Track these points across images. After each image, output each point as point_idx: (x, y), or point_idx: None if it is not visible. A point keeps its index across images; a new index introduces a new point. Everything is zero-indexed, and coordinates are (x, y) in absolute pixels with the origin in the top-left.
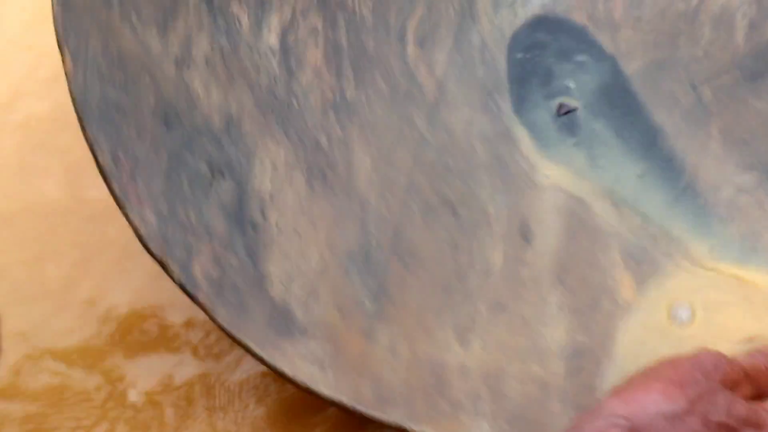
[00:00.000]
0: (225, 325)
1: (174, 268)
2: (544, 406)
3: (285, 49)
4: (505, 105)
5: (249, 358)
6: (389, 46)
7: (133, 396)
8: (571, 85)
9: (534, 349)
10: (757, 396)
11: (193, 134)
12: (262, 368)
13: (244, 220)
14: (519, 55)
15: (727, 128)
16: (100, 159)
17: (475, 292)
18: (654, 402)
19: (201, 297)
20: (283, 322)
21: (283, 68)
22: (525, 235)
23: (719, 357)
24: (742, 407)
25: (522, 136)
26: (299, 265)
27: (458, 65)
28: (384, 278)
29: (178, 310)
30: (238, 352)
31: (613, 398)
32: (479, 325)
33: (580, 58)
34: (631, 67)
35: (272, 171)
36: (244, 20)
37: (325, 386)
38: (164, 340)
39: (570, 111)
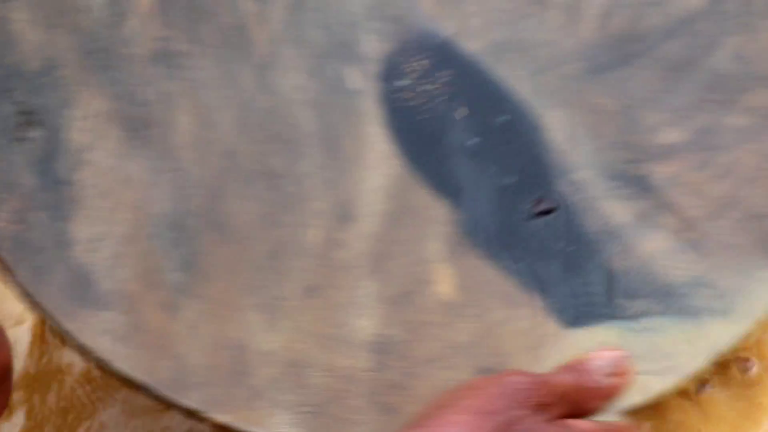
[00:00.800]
0: (25, 286)
1: None
2: (346, 400)
3: None
4: (349, 74)
5: None
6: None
7: None
8: (424, 62)
9: (342, 339)
10: (575, 413)
11: (5, 75)
12: None
13: (52, 175)
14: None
15: (561, 121)
16: None
17: (288, 272)
18: None
19: (1, 253)
20: (83, 288)
21: (110, 11)
22: (346, 214)
23: (525, 379)
24: (550, 429)
25: (371, 109)
26: (106, 228)
27: (294, 25)
28: (196, 249)
29: None
30: None
31: None
32: (287, 309)
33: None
34: (472, 46)
35: (87, 123)
36: None
37: (120, 362)
38: None
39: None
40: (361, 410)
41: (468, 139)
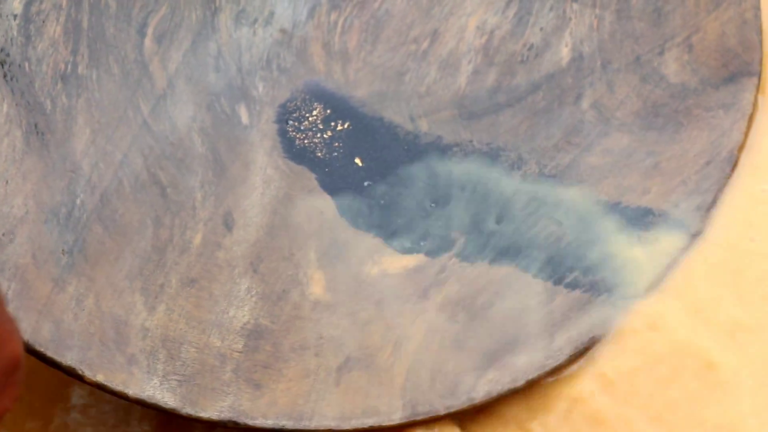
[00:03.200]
0: None
1: None
2: (216, 374)
3: (26, 17)
4: (242, 112)
5: None
6: (128, 35)
7: None
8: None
9: (217, 323)
10: None
11: None
12: None
13: None
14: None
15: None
16: None
17: (170, 265)
18: None
19: None
20: None
21: (22, 33)
22: (227, 223)
23: None
24: None
25: (262, 141)
26: (5, 209)
27: (191, 66)
28: (82, 236)
29: None
30: None
31: None
32: (168, 294)
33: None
34: (357, 95)
35: None
36: None
37: None
38: None
39: None
40: (229, 383)
41: (363, 180)
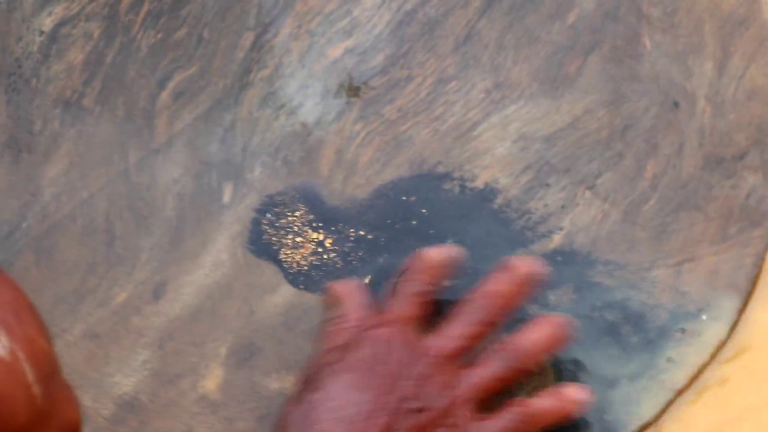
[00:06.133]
0: None
1: None
2: None
3: (53, 37)
4: (227, 190)
5: None
6: (147, 83)
7: None
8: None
9: (97, 384)
10: None
11: None
12: None
13: None
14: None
15: None
16: None
17: (82, 314)
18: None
19: None
20: None
21: (42, 51)
22: (157, 292)
23: None
24: None
25: (231, 224)
26: None
27: (198, 131)
28: (11, 259)
29: None
30: None
31: None
32: (64, 341)
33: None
34: (344, 210)
35: None
36: None
37: None
38: None
39: None
40: None
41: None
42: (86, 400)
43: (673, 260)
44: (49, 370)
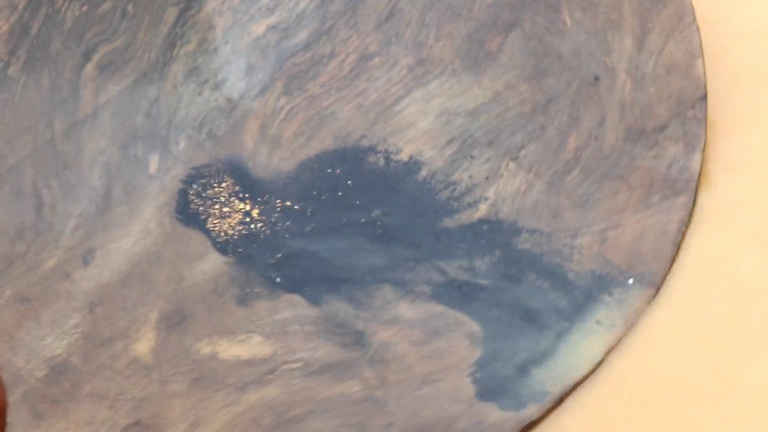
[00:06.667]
0: None
1: None
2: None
3: None
4: (153, 161)
5: None
6: (72, 54)
7: None
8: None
9: (29, 345)
10: None
11: None
12: None
13: None
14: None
15: None
16: None
17: (11, 278)
18: None
19: None
20: None
21: None
22: (86, 258)
23: None
24: None
25: (158, 194)
26: None
27: (123, 103)
28: None
29: None
30: None
31: None
32: None
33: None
34: (270, 182)
35: None
36: None
37: None
38: None
39: None
40: (13, 404)
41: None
42: (19, 361)
43: (598, 228)
44: None
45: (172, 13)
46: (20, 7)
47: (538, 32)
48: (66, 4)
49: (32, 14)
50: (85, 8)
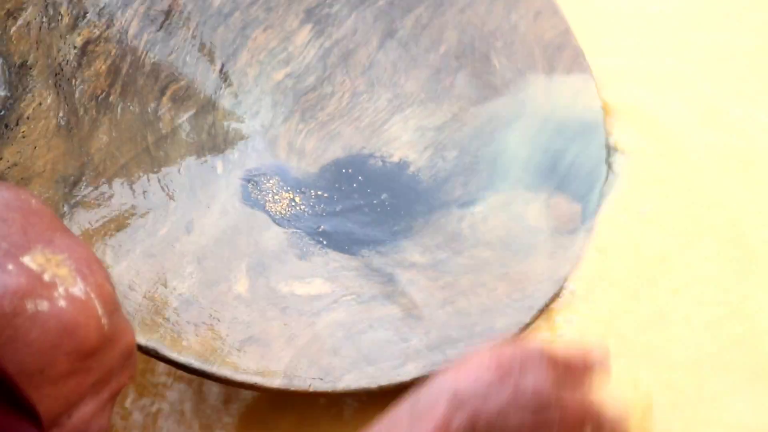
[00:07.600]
0: None
1: None
2: (152, 315)
3: (83, 51)
4: (219, 165)
5: None
6: (152, 89)
7: None
8: (272, 180)
9: (162, 283)
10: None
11: None
12: None
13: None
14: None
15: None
16: None
17: (138, 240)
18: (475, 374)
19: None
20: None
21: (76, 60)
22: (188, 228)
23: (539, 346)
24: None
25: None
26: (25, 161)
27: (192, 125)
28: (79, 201)
29: None
30: None
31: (444, 373)
32: (131, 258)
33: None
34: (304, 179)
35: (36, 105)
36: (65, 19)
37: None
38: None
39: None
40: (160, 324)
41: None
42: (157, 295)
43: (546, 194)
44: (113, 307)
45: (217, 65)
46: (112, 53)
47: (477, 72)
48: (144, 54)
49: (121, 59)
50: (157, 57)
